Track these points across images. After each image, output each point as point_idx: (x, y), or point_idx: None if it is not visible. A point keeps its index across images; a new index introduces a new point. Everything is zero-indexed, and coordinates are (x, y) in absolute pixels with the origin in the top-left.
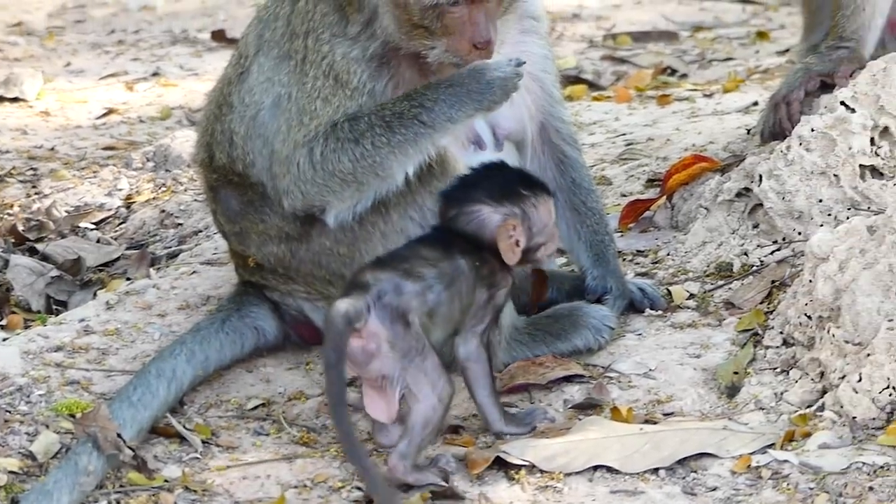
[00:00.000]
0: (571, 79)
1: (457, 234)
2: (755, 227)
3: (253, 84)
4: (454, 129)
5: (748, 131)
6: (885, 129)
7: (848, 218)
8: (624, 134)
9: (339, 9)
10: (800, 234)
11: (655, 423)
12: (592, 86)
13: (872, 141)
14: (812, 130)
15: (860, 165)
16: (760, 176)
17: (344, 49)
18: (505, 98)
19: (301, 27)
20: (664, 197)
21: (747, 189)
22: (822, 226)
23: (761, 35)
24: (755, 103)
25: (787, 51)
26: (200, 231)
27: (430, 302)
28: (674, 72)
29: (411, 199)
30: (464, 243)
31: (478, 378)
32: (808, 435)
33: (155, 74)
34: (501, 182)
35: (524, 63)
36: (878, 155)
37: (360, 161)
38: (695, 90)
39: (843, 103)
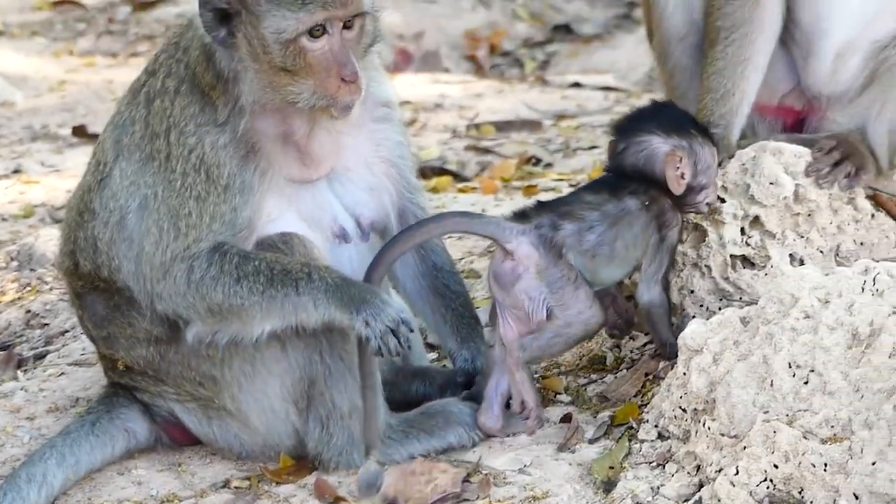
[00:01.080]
0: (436, 170)
1: (625, 176)
2: None
3: (116, 189)
4: (321, 314)
5: None
6: (756, 218)
7: (720, 309)
8: None
9: (202, 96)
10: (674, 325)
11: None
12: (457, 177)
13: (743, 231)
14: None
15: (731, 256)
16: None
17: (212, 138)
18: (382, 339)
19: (161, 126)
20: None
21: None
22: (694, 317)
23: None
24: None
25: None
26: (67, 331)
27: (588, 242)
28: (538, 161)
29: None
30: (633, 184)
31: (661, 320)
32: None
33: (16, 171)
34: (672, 118)
35: (412, 328)
36: (748, 245)
37: (231, 299)
38: (561, 180)
39: None
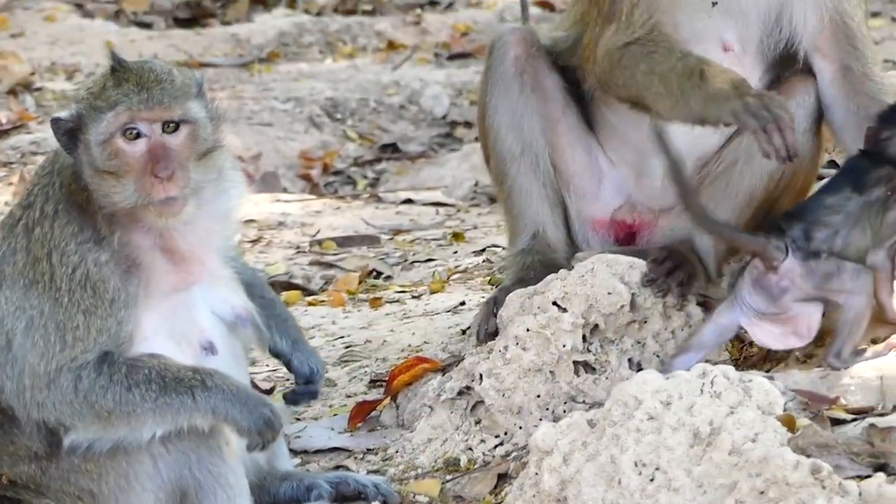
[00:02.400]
0: (284, 284)
1: (876, 163)
2: (478, 422)
3: (1, 316)
4: (213, 421)
5: (464, 332)
6: (596, 326)
7: (564, 412)
8: (342, 337)
9: (80, 214)
10: (520, 428)
11: None
12: (305, 290)
13: (584, 338)
14: (527, 330)
15: (574, 362)
16: (480, 375)
17: (94, 255)
18: (266, 438)
19: (43, 251)
20: (389, 397)
21: (468, 387)
22: (541, 419)
23: (457, 236)
24: (462, 303)
25: (483, 251)
26: None
27: (839, 245)
28: (379, 274)
29: None
30: (882, 170)
31: (883, 282)
32: None
33: None
34: None
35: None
36: (590, 351)
37: (122, 406)
38: (403, 292)
39: (555, 303)
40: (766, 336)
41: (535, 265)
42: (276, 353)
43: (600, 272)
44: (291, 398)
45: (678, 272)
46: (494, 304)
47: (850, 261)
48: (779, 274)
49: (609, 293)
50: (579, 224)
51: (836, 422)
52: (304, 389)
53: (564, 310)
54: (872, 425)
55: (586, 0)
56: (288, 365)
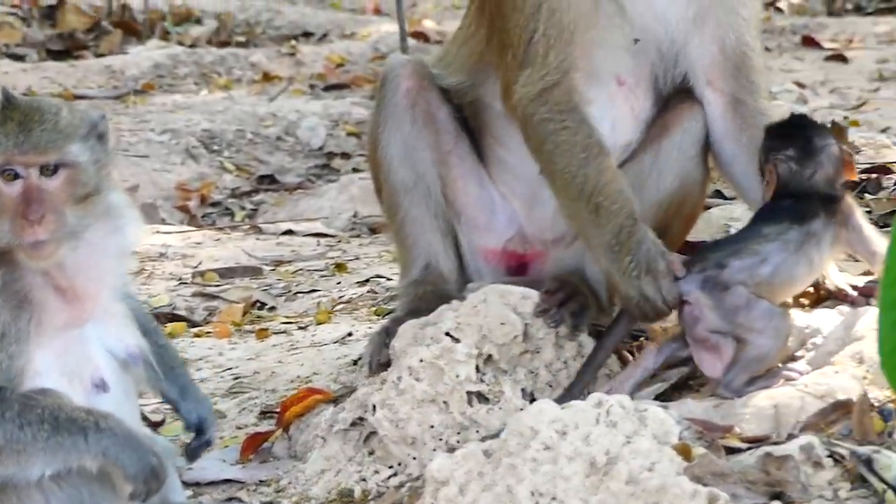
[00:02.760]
0: (168, 316)
1: (807, 195)
2: (371, 453)
3: None
4: (103, 463)
5: (355, 362)
6: (489, 356)
7: (458, 442)
8: (230, 368)
9: None
10: (414, 459)
11: None
12: (189, 322)
13: (478, 368)
14: (421, 361)
15: (467, 392)
16: (374, 405)
17: None
18: (151, 487)
19: None
20: (281, 428)
21: (361, 418)
22: (435, 450)
23: (339, 267)
24: (350, 334)
25: (367, 281)
26: None
27: (765, 273)
28: (263, 305)
29: None
30: (816, 202)
31: None
32: None
33: None
34: (817, 124)
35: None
36: (483, 381)
37: (13, 444)
38: (290, 323)
39: (447, 334)
40: (702, 361)
41: (428, 296)
42: (165, 399)
43: (493, 303)
44: (190, 455)
45: (570, 303)
46: (387, 335)
47: (775, 293)
48: (690, 304)
49: (502, 324)
50: (471, 255)
51: (732, 451)
52: (198, 443)
53: (457, 340)
54: (768, 454)
55: (493, 43)
56: (177, 412)
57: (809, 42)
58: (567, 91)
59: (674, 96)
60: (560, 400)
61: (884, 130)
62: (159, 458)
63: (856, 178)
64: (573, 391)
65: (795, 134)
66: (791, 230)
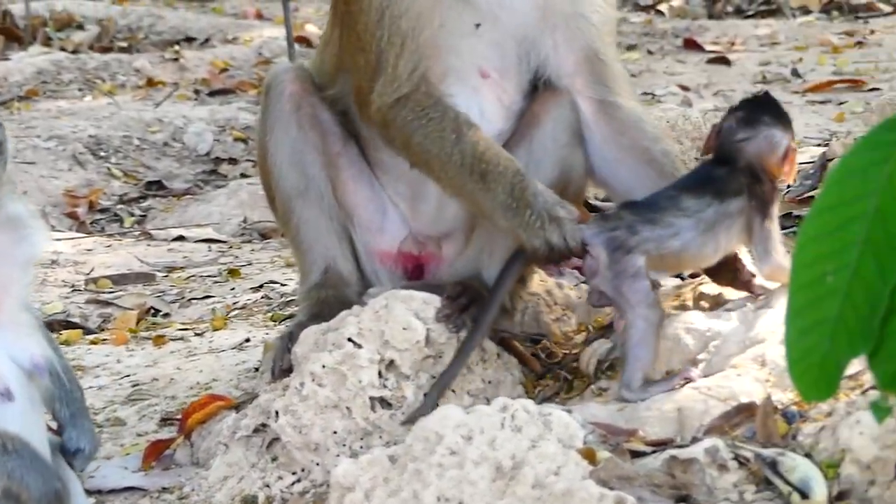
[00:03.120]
0: (63, 323)
1: (733, 169)
2: (274, 459)
3: None
4: (7, 484)
5: (256, 369)
6: (391, 362)
7: (362, 448)
8: (128, 375)
9: None
10: (318, 464)
11: None
12: (84, 329)
13: (380, 374)
14: (323, 367)
15: (370, 397)
16: (276, 412)
17: None
18: None
19: None
20: (183, 435)
21: (264, 424)
22: (338, 455)
23: (233, 272)
24: (248, 340)
25: (261, 287)
26: None
27: (671, 247)
28: (157, 312)
29: None
30: (739, 180)
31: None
32: None
33: None
34: (781, 110)
35: None
36: (385, 387)
37: None
38: (186, 329)
39: (350, 340)
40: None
41: (329, 300)
42: (54, 417)
43: (395, 308)
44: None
45: (472, 308)
46: (289, 340)
47: (679, 265)
48: (593, 257)
49: (404, 329)
50: (367, 258)
51: (636, 454)
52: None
53: (360, 346)
54: (673, 457)
55: (346, 46)
56: (60, 433)
57: (691, 45)
58: (425, 94)
59: (543, 87)
60: (464, 347)
61: None
62: (63, 481)
63: (793, 181)
64: (474, 337)
65: (756, 102)
66: (709, 208)
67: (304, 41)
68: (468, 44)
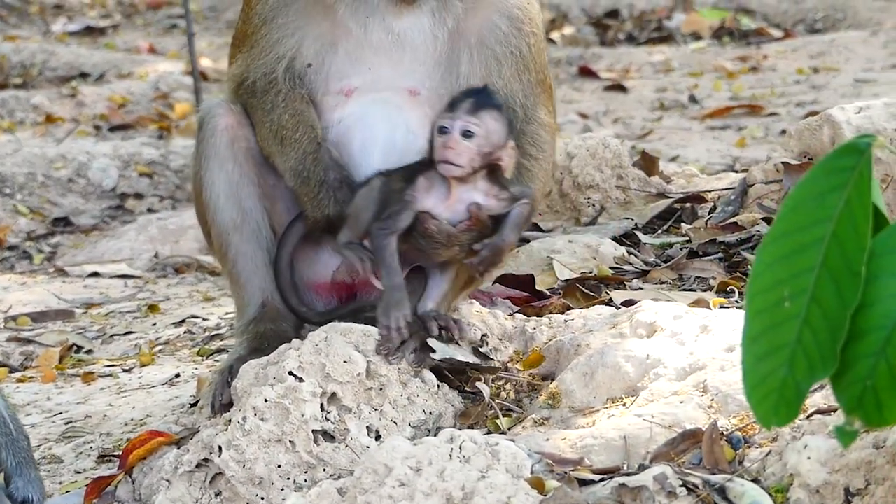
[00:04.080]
0: None
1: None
2: (218, 494)
3: None
4: None
5: (193, 405)
6: (333, 394)
7: (306, 481)
8: (60, 413)
9: None
10: (263, 499)
11: None
12: (8, 367)
13: (322, 407)
14: (266, 401)
15: (313, 431)
16: (219, 447)
17: None
18: None
19: None
20: (124, 472)
21: (206, 460)
22: (283, 489)
23: (152, 308)
24: (178, 375)
25: (183, 322)
26: None
27: None
28: (80, 348)
29: None
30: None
31: None
32: None
33: None
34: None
35: None
36: (328, 420)
37: None
38: (113, 365)
39: (291, 373)
40: None
41: (268, 334)
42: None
43: (335, 341)
44: None
45: (412, 339)
46: (229, 374)
47: None
48: None
49: (345, 362)
50: (303, 289)
51: (584, 482)
52: None
53: (301, 379)
54: (622, 485)
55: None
56: (6, 482)
57: (587, 72)
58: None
59: None
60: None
61: (673, 159)
62: None
63: (508, 172)
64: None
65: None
66: None
67: (200, 75)
68: (391, 68)
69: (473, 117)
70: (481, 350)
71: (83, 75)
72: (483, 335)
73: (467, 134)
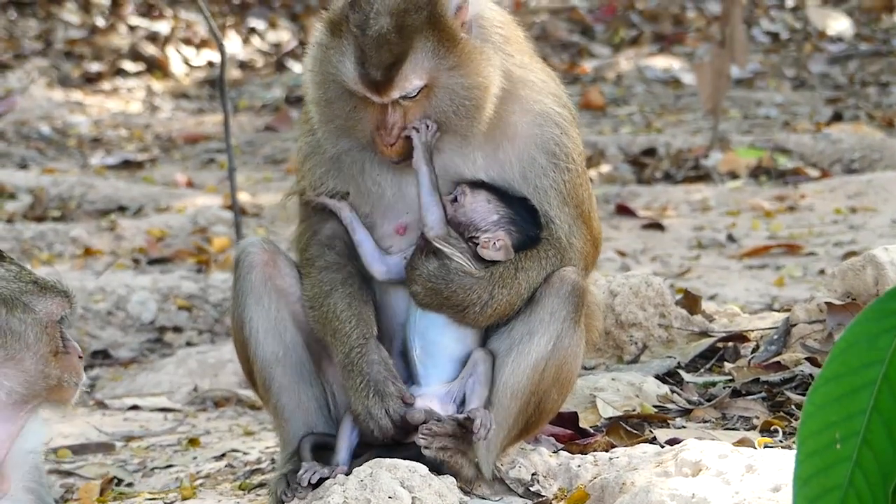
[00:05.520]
0: None
1: None
2: None
3: None
4: None
5: None
6: None
7: None
8: None
9: None
10: None
11: None
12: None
13: None
14: None
15: None
16: None
17: None
18: None
19: None
20: None
21: None
22: None
23: (192, 441)
24: None
25: (224, 455)
26: None
27: None
28: (120, 481)
29: None
30: None
31: None
32: None
33: None
34: None
35: None
36: None
37: None
38: (155, 499)
39: None
40: None
41: None
42: None
43: (380, 477)
44: None
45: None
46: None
47: None
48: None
49: (390, 497)
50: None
51: None
52: None
53: None
54: None
55: None
56: None
57: (624, 210)
58: (317, 242)
59: None
60: None
61: (711, 298)
62: None
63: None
64: None
65: None
66: None
67: (244, 213)
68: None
69: (470, 190)
70: (531, 489)
71: (121, 208)
72: (533, 474)
73: (454, 199)
